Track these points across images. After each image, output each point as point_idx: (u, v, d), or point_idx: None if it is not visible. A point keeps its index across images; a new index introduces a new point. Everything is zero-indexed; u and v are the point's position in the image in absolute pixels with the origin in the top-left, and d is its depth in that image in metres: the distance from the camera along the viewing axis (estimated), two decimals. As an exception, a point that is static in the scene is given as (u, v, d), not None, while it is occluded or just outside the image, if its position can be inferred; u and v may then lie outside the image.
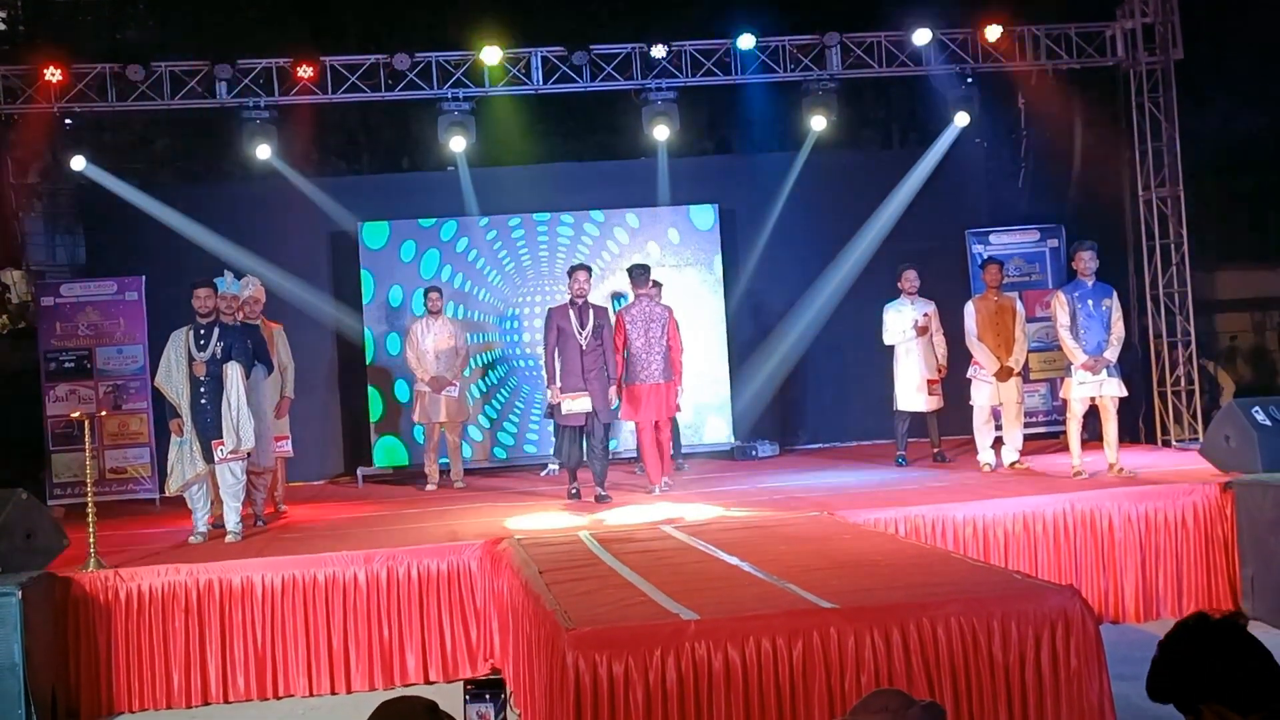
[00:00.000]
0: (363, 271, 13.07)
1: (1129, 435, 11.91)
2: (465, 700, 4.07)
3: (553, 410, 10.03)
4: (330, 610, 7.74)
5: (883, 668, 5.07)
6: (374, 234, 13.09)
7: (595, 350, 9.91)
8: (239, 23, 13.99)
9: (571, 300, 10.02)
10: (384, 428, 13.02)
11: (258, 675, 7.68)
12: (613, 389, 10.04)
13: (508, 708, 4.04)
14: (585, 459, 10.13)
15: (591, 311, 10.00)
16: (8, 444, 12.01)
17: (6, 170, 13.32)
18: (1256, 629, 8.02)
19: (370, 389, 13.02)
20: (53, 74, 11.75)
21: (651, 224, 13.47)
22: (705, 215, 13.56)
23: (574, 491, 10.15)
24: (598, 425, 9.92)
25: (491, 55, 12.26)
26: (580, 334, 9.86)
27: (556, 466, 12.60)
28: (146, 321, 11.97)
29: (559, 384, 9.88)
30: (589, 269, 10.30)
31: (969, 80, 12.84)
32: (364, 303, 13.08)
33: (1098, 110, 13.11)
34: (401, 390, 12.85)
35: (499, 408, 13.20)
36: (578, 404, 9.80)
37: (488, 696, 4.02)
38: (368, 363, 13.05)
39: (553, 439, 13.05)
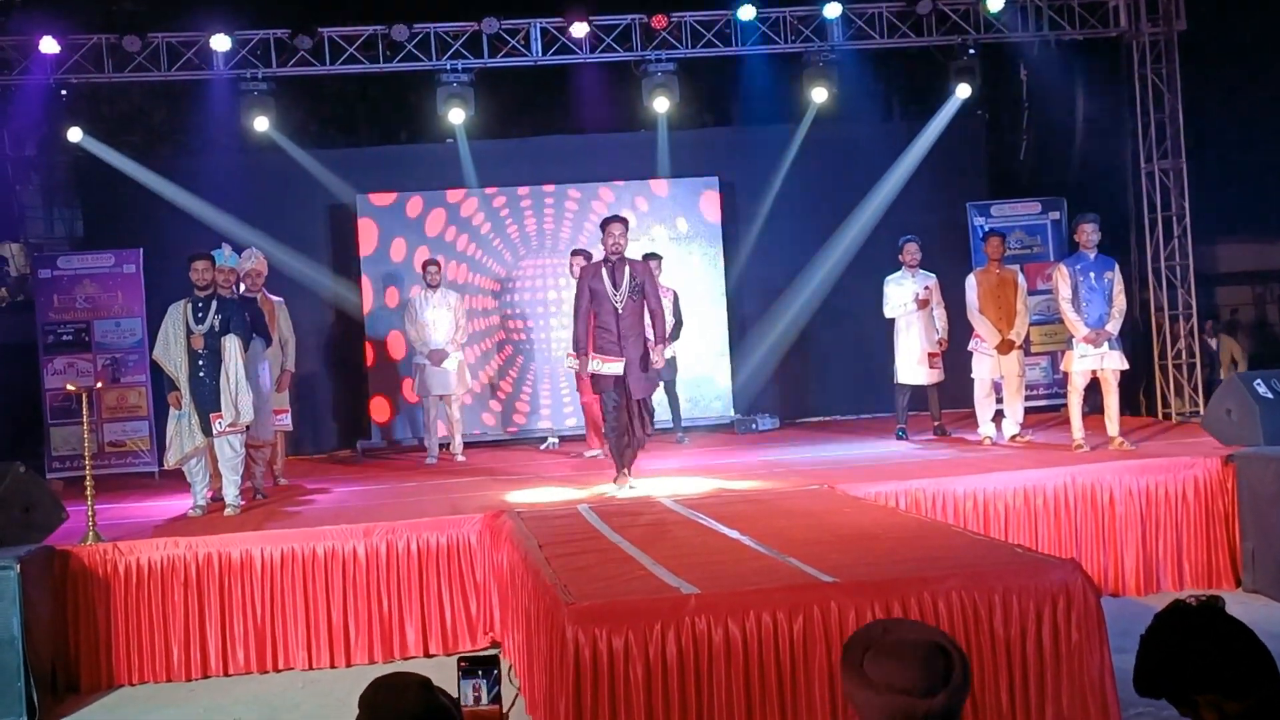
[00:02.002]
0: (360, 262, 13.05)
1: (1130, 408, 11.89)
2: (459, 676, 4.06)
3: (594, 380, 8.95)
4: (330, 584, 7.73)
5: (883, 642, 5.05)
6: (368, 220, 13.05)
7: (633, 312, 8.76)
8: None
9: (605, 257, 8.85)
10: (383, 400, 13.03)
11: (257, 648, 7.68)
12: (657, 350, 8.84)
13: (504, 681, 4.03)
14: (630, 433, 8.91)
15: (628, 268, 8.79)
16: (6, 417, 12.01)
17: (3, 143, 13.26)
18: (1257, 602, 7.99)
19: (370, 377, 13.03)
20: (49, 45, 11.67)
21: (650, 196, 13.41)
22: (705, 188, 13.51)
23: (627, 485, 8.88)
24: (628, 397, 8.77)
25: (490, 26, 12.18)
26: (614, 294, 8.71)
27: (556, 440, 12.61)
28: (144, 294, 11.94)
29: (590, 350, 8.75)
30: (624, 221, 9.00)
31: (971, 51, 12.76)
32: (362, 293, 13.07)
33: (1100, 81, 13.05)
34: (403, 374, 12.81)
35: (502, 383, 13.17)
36: (609, 366, 8.67)
37: (481, 672, 4.01)
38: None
39: (553, 410, 13.11)
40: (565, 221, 13.29)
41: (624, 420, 8.83)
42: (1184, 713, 2.60)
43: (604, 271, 8.80)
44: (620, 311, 8.71)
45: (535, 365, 13.19)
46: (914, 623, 2.56)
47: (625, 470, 8.94)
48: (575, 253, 11.46)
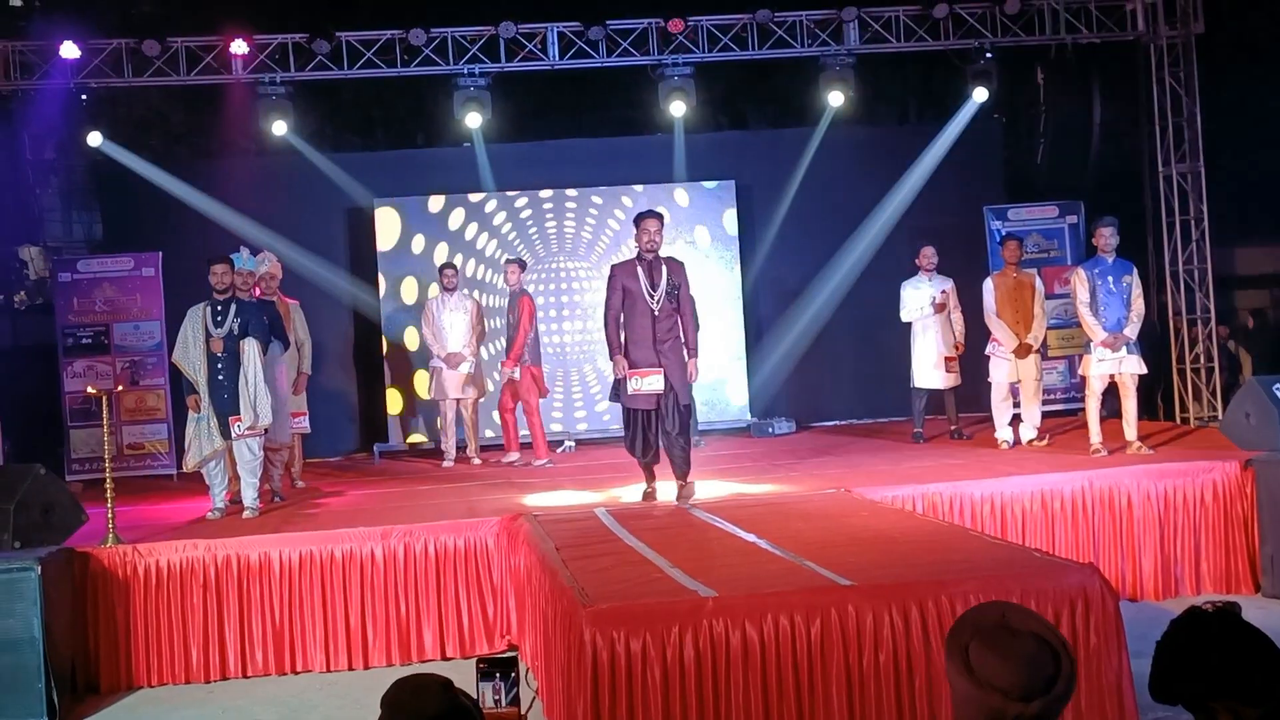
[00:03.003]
0: (378, 264, 13.09)
1: (1148, 412, 11.85)
2: (478, 678, 4.07)
3: (616, 389, 8.31)
4: (348, 586, 7.76)
5: (901, 645, 5.06)
6: (385, 222, 13.08)
7: (670, 315, 8.13)
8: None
9: (639, 255, 8.21)
10: (397, 393, 13.08)
11: (275, 651, 7.70)
12: (692, 363, 8.23)
13: (522, 683, 4.04)
14: (663, 446, 8.32)
15: (665, 268, 8.16)
16: (26, 419, 12.05)
17: (24, 146, 13.32)
18: (1276, 607, 7.96)
19: (388, 377, 13.07)
20: (69, 49, 11.75)
21: (667, 200, 13.42)
22: (722, 191, 13.52)
23: (649, 492, 8.43)
24: (675, 407, 8.15)
25: (507, 30, 12.23)
26: (651, 296, 8.04)
27: (573, 444, 12.63)
28: (163, 297, 12.00)
29: (624, 357, 8.17)
30: (660, 215, 8.37)
31: (988, 55, 12.75)
32: (380, 295, 13.12)
33: (1117, 85, 13.01)
34: (420, 378, 12.84)
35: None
36: (648, 382, 8.02)
37: (499, 674, 4.01)
38: (383, 349, 13.10)
39: (564, 414, 13.11)
40: (582, 225, 13.31)
41: (653, 436, 8.21)
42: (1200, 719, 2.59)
43: (639, 270, 8.13)
44: (657, 314, 8.09)
45: (549, 369, 13.20)
46: (1029, 612, 2.51)
47: (653, 480, 8.47)
48: (510, 262, 11.46)
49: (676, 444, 8.20)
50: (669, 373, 8.05)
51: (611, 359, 8.25)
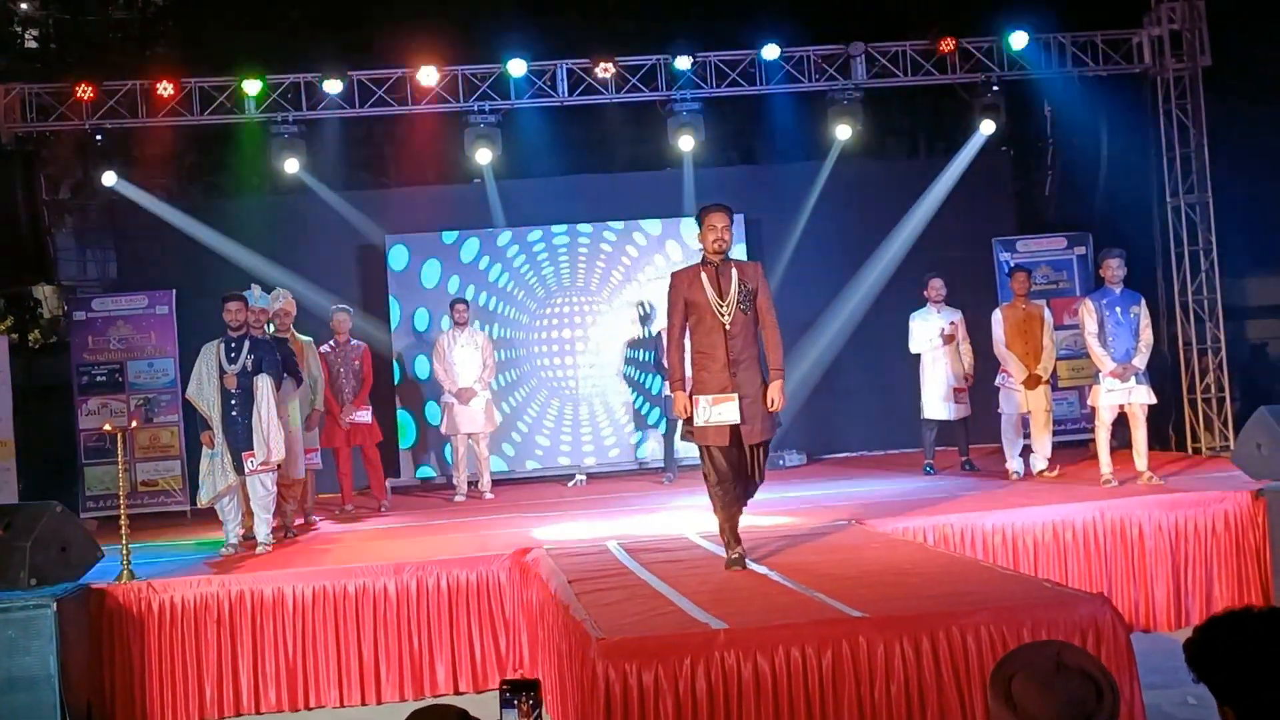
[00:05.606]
0: (390, 298, 13.17)
1: (1159, 443, 11.85)
2: (500, 704, 4.07)
3: (686, 425, 6.84)
4: (360, 621, 7.79)
5: (912, 677, 5.07)
6: (397, 256, 13.17)
7: (746, 328, 6.67)
8: (267, 38, 14.09)
9: (704, 258, 6.85)
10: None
11: (289, 686, 7.73)
12: (774, 386, 6.70)
13: (542, 710, 4.05)
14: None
15: (735, 272, 6.73)
16: (41, 457, 12.13)
17: (39, 187, 13.44)
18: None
19: (400, 411, 13.10)
20: (84, 91, 11.89)
21: (676, 234, 13.49)
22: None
23: (736, 557, 6.82)
24: (758, 455, 6.83)
25: (517, 68, 12.34)
26: (721, 307, 6.63)
27: (584, 477, 12.64)
28: (177, 335, 12.08)
29: (688, 385, 6.75)
30: (728, 209, 6.91)
31: (995, 88, 12.82)
32: (391, 328, 13.18)
33: (1125, 117, 13.06)
34: (432, 411, 12.89)
35: (529, 421, 13.24)
36: (718, 411, 6.58)
37: (518, 700, 4.02)
38: (395, 382, 13.14)
39: (573, 447, 13.14)
40: (594, 259, 13.35)
41: (738, 482, 6.84)
42: (1222, 705, 2.53)
43: (704, 277, 6.74)
44: (729, 328, 6.63)
45: (559, 403, 13.24)
46: (1082, 651, 2.52)
47: (738, 544, 6.91)
48: (339, 310, 11.43)
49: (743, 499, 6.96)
50: (744, 400, 6.61)
51: (671, 392, 6.90)
